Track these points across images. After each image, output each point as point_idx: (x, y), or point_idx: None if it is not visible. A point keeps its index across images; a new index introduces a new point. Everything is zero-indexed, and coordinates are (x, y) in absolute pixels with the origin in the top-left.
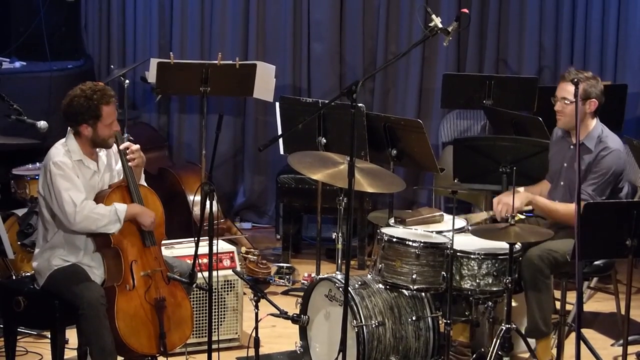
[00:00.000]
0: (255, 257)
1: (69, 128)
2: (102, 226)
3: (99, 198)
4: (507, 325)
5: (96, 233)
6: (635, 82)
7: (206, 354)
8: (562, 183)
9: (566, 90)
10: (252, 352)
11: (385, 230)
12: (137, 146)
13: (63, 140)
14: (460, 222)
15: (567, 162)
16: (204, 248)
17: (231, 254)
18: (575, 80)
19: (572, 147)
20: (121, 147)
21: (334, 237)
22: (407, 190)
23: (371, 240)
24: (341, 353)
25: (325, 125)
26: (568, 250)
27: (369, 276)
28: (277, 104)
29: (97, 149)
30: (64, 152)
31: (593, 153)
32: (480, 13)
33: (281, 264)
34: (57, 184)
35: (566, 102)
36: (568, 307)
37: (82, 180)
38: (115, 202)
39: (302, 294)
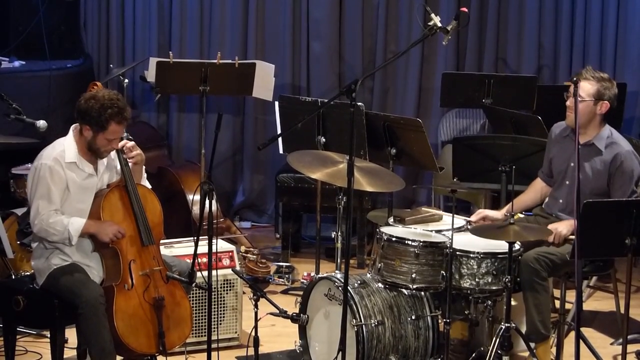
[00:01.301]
0: (254, 256)
1: (72, 126)
2: (55, 241)
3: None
4: (506, 324)
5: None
6: (634, 81)
7: (205, 353)
8: (567, 182)
9: (580, 87)
10: (251, 351)
11: (384, 229)
12: (132, 143)
13: (62, 140)
14: (459, 221)
15: (574, 162)
16: (203, 247)
17: (230, 253)
18: (575, 79)
19: (580, 146)
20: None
21: (333, 236)
22: (406, 189)
23: (370, 239)
24: (340, 352)
25: (325, 124)
26: (566, 251)
27: (368, 275)
28: (277, 103)
29: None
30: (55, 155)
31: (604, 154)
32: (480, 12)
33: (280, 263)
34: (36, 186)
35: (578, 98)
36: (567, 305)
37: (71, 183)
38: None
39: (301, 293)
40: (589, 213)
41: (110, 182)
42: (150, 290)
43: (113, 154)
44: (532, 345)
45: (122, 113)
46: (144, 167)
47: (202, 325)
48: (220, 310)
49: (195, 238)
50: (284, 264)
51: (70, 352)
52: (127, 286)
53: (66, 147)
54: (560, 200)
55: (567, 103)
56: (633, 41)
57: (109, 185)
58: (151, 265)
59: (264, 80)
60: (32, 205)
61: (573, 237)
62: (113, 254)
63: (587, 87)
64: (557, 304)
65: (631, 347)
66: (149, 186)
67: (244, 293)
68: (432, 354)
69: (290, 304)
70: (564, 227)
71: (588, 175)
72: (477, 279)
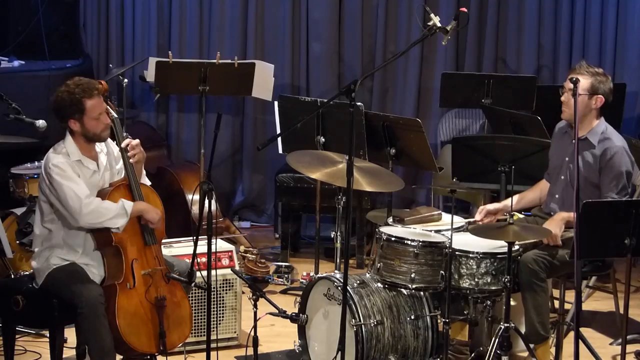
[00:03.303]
0: (254, 256)
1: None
2: (109, 219)
3: (101, 196)
4: (505, 324)
5: (97, 231)
6: (634, 81)
7: (205, 353)
8: (562, 177)
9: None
10: (250, 351)
11: (383, 229)
12: (137, 141)
13: (61, 142)
14: (458, 221)
15: (568, 157)
16: (202, 247)
17: (230, 253)
18: (575, 79)
19: (574, 141)
20: (122, 145)
21: (332, 236)
22: (405, 190)
23: (370, 239)
24: (340, 352)
25: (324, 124)
26: (565, 251)
27: (367, 275)
28: (276, 103)
29: (97, 149)
30: (61, 156)
31: (596, 149)
32: (479, 12)
33: (280, 263)
34: (59, 183)
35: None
36: (567, 306)
37: (82, 179)
38: (116, 200)
39: (300, 293)
40: (588, 213)
41: (112, 181)
42: (151, 290)
43: (117, 153)
44: (532, 345)
45: (89, 87)
46: (143, 165)
47: (201, 325)
48: (220, 310)
49: (194, 238)
50: (283, 263)
51: (69, 352)
52: (129, 285)
53: (68, 147)
54: (557, 196)
55: (562, 98)
56: (633, 41)
57: (112, 184)
58: (153, 265)
59: (264, 80)
60: (66, 197)
61: (570, 232)
62: (115, 252)
63: (581, 82)
64: (557, 304)
65: (630, 347)
66: (149, 183)
67: (243, 293)
68: (431, 354)
69: (289, 304)
70: (554, 226)
71: (579, 167)
72: (476, 279)
